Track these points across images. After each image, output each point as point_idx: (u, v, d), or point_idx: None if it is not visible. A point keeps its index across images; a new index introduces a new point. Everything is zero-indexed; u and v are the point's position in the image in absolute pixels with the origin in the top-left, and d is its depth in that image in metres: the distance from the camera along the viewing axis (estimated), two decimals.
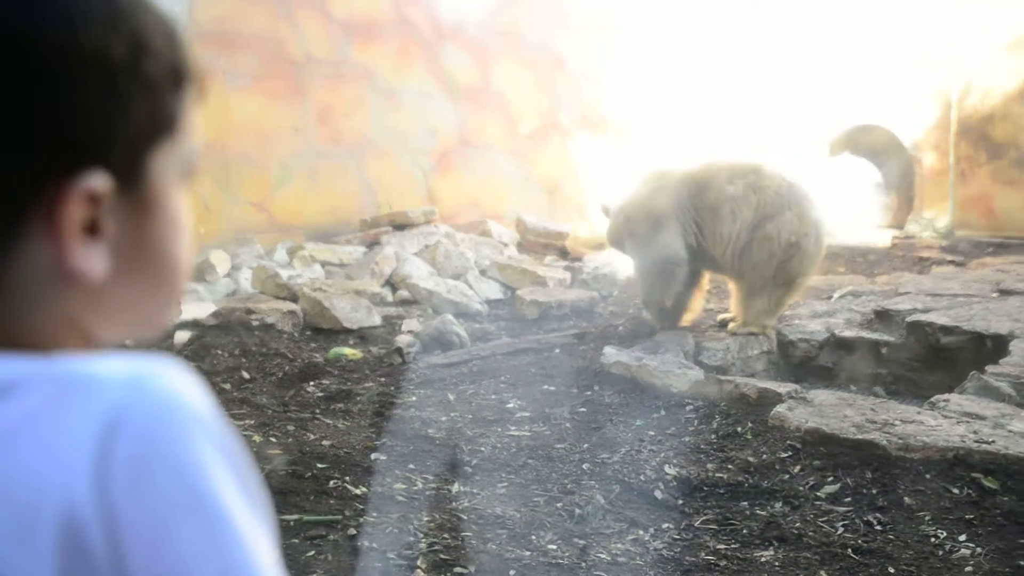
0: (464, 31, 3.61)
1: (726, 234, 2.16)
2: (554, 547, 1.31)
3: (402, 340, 2.37)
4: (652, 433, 1.69)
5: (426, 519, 1.35)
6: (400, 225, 3.26)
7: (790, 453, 1.58)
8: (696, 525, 1.38)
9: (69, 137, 0.46)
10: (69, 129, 0.46)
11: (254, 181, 3.36)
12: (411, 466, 1.58)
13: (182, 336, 2.38)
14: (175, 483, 0.43)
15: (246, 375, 2.07)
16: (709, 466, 1.53)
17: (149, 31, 0.49)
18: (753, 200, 2.17)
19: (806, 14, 3.95)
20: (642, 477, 1.50)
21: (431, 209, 3.35)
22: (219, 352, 2.18)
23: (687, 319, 2.43)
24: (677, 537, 1.35)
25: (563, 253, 3.60)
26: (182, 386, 0.45)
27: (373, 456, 1.60)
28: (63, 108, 0.46)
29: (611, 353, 2.10)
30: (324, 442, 1.66)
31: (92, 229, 0.47)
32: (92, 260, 0.46)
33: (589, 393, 1.97)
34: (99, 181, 0.46)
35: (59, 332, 0.48)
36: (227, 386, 1.98)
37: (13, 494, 0.42)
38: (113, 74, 0.47)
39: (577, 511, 1.41)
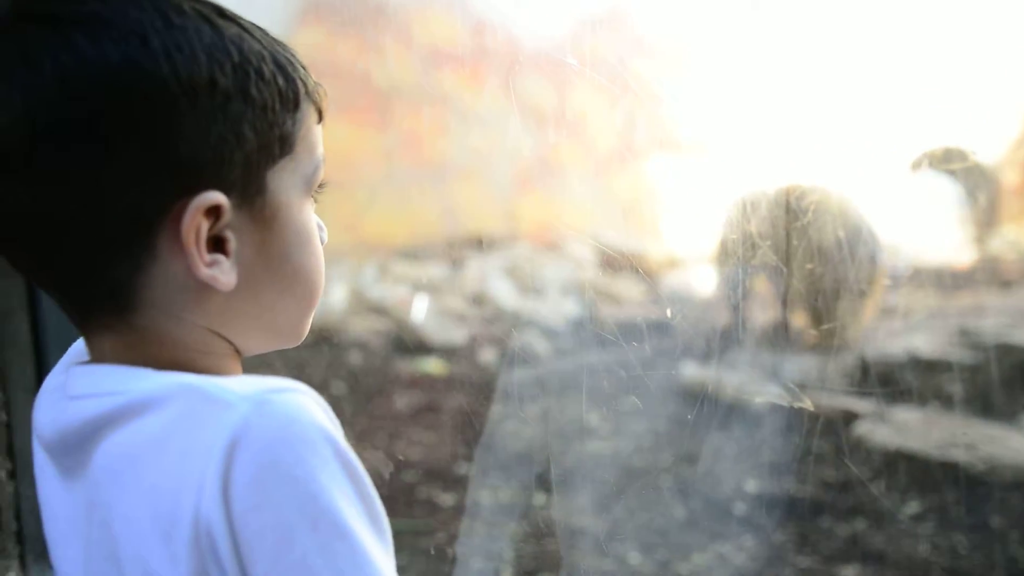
0: (541, 56, 3.66)
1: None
2: (636, 558, 1.35)
3: (485, 356, 2.44)
4: (731, 449, 1.71)
5: (511, 528, 1.40)
6: (483, 244, 3.34)
7: (872, 471, 1.58)
8: (776, 541, 1.40)
9: (186, 160, 0.49)
10: (186, 153, 0.49)
11: (344, 204, 3.49)
12: (496, 478, 1.63)
13: (277, 354, 2.48)
14: (294, 497, 0.45)
15: (337, 391, 2.16)
16: (788, 482, 1.55)
17: (257, 59, 0.52)
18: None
19: (886, 31, 3.89)
20: (721, 492, 1.53)
21: (512, 229, 3.43)
22: (311, 368, 2.28)
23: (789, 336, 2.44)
24: (758, 552, 1.38)
25: (640, 272, 3.63)
26: (305, 406, 0.47)
27: (459, 468, 1.66)
28: (178, 135, 0.49)
29: (689, 368, 2.12)
30: (412, 454, 1.73)
31: (218, 243, 0.50)
32: (220, 272, 0.50)
33: (668, 408, 1.99)
34: (217, 198, 0.49)
35: (202, 344, 0.52)
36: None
37: (159, 498, 0.45)
38: (224, 101, 0.50)
39: (657, 524, 1.44)
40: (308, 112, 0.55)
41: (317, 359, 2.43)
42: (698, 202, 2.54)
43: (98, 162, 0.46)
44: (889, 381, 2.43)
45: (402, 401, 2.08)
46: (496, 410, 2.20)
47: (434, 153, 3.77)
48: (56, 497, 0.52)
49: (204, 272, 0.49)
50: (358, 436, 1.86)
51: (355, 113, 3.39)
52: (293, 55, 0.55)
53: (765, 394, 2.05)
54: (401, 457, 1.70)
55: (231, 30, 0.51)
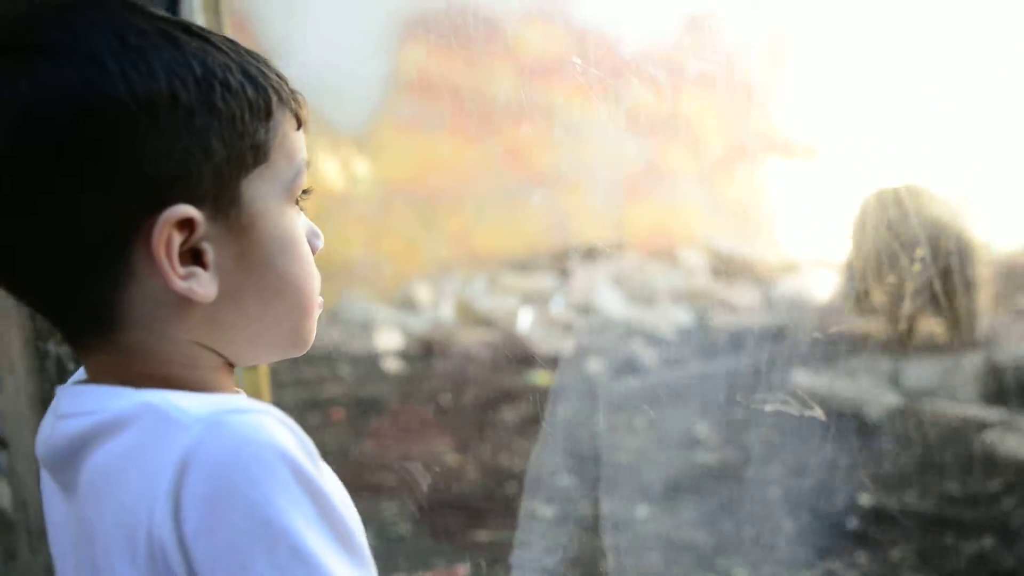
0: (645, 62, 3.63)
1: None
2: (742, 574, 1.31)
3: (592, 366, 2.43)
4: (845, 460, 1.64)
5: (612, 541, 1.39)
6: (590, 254, 3.34)
7: (1001, 485, 1.49)
8: (894, 558, 1.34)
9: (153, 177, 0.49)
10: (151, 170, 0.49)
11: (453, 217, 3.56)
12: (599, 489, 1.62)
13: (389, 365, 2.55)
14: (247, 520, 0.44)
15: (445, 401, 2.19)
16: (908, 496, 1.47)
17: (223, 71, 0.52)
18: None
19: (996, 26, 3.66)
20: (834, 506, 1.47)
21: (620, 238, 3.41)
22: (421, 379, 2.32)
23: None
24: (872, 570, 1.32)
25: (754, 278, 3.54)
26: (263, 426, 0.45)
27: (562, 479, 1.66)
28: (141, 152, 0.49)
29: (803, 377, 2.06)
30: (516, 465, 1.74)
31: (196, 256, 0.50)
32: (197, 284, 0.50)
33: (779, 418, 1.93)
34: (186, 211, 0.49)
35: (188, 358, 0.52)
36: (428, 411, 2.12)
37: (125, 516, 0.46)
38: (187, 115, 0.50)
39: (765, 538, 1.40)
40: (284, 120, 0.55)
41: (426, 370, 2.47)
42: (812, 204, 2.46)
43: (64, 187, 0.47)
44: (1018, 388, 2.28)
45: (507, 412, 2.09)
46: (601, 421, 2.19)
47: (541, 165, 3.78)
48: (58, 513, 0.53)
49: (180, 285, 0.49)
50: (462, 447, 1.89)
51: (461, 128, 3.45)
52: (266, 65, 0.55)
53: (882, 402, 1.96)
54: (502, 468, 1.72)
55: (193, 45, 0.52)
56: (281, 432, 0.46)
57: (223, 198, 0.51)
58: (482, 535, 1.47)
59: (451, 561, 1.50)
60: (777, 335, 2.97)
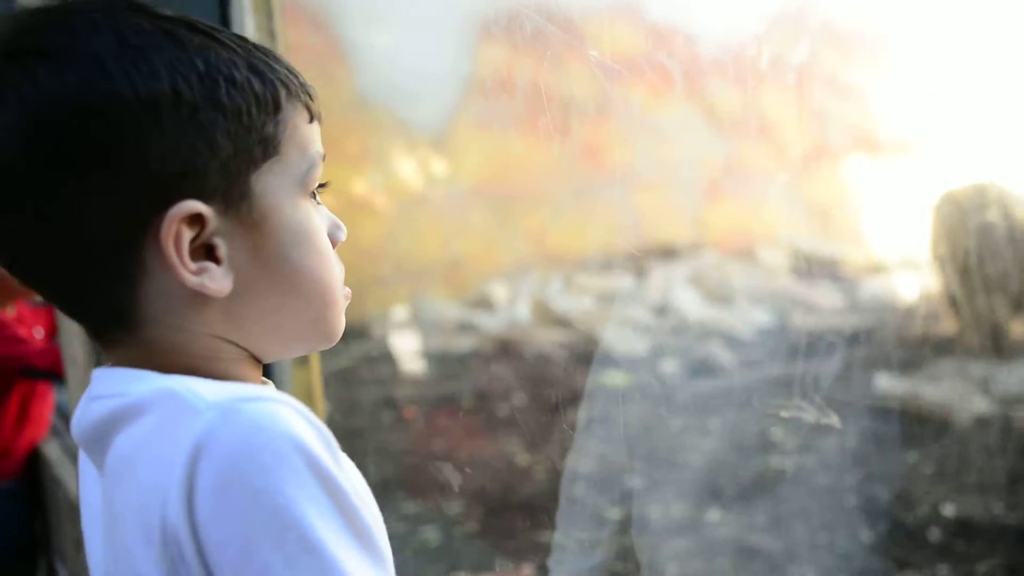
0: (725, 59, 3.57)
1: None
2: None
3: (668, 367, 2.39)
4: (929, 469, 1.58)
5: (680, 545, 1.36)
6: (668, 254, 3.29)
7: None
8: (979, 572, 1.28)
9: (158, 175, 0.49)
10: (157, 168, 0.49)
11: (530, 217, 3.56)
12: (669, 492, 1.60)
13: (464, 364, 2.56)
14: (256, 509, 0.44)
15: (519, 401, 2.19)
16: (996, 508, 1.41)
17: (228, 66, 0.51)
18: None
19: None
20: (915, 516, 1.41)
21: (698, 238, 3.35)
22: (495, 379, 2.32)
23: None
24: None
25: (837, 278, 3.44)
26: (278, 415, 0.45)
27: (632, 481, 1.64)
28: (146, 151, 0.49)
29: (886, 381, 1.98)
30: (586, 465, 1.72)
31: (210, 251, 0.50)
32: (209, 279, 0.50)
33: (860, 423, 1.87)
34: (194, 207, 0.49)
35: (209, 351, 0.52)
36: (502, 411, 2.12)
37: (143, 500, 0.46)
38: (191, 112, 0.50)
39: (841, 547, 1.35)
40: (294, 113, 0.54)
41: (501, 370, 2.47)
42: (899, 203, 2.37)
43: (71, 189, 0.48)
44: None
45: (580, 412, 2.07)
46: (674, 423, 2.16)
47: (618, 164, 3.74)
48: (92, 493, 0.54)
49: (191, 280, 0.50)
50: (532, 447, 1.88)
51: (538, 127, 3.44)
52: (275, 59, 0.55)
53: (971, 408, 1.87)
54: (571, 468, 1.70)
55: (197, 42, 0.52)
56: (297, 422, 0.46)
57: (233, 193, 0.51)
58: (549, 536, 1.46)
59: (517, 560, 1.49)
60: (860, 337, 2.89)
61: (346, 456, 0.50)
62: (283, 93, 0.54)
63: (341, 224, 0.58)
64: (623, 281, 3.49)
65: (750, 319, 2.93)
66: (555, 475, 1.71)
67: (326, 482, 0.46)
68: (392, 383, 2.58)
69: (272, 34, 1.06)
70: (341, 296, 0.56)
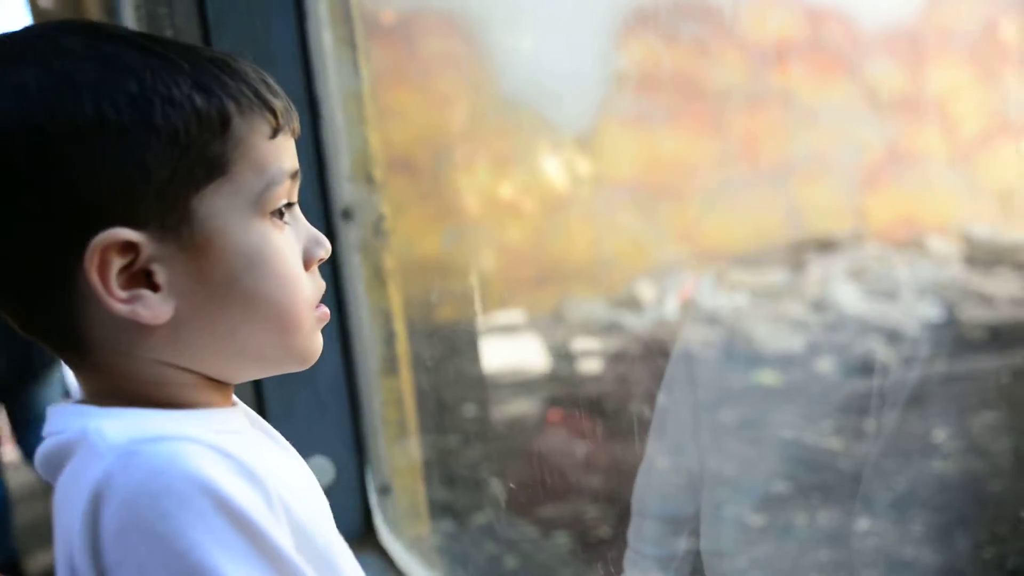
0: (888, 37, 3.38)
1: None
2: None
3: (824, 365, 2.28)
4: None
5: (825, 555, 1.29)
6: (826, 246, 3.14)
7: None
8: None
9: (84, 201, 0.48)
10: (83, 194, 0.48)
11: (679, 213, 3.48)
12: (816, 498, 1.51)
13: (611, 365, 2.54)
14: (157, 555, 0.43)
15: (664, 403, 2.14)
16: None
17: (167, 85, 0.48)
18: None
19: None
20: None
21: (859, 228, 3.17)
22: (641, 379, 2.28)
23: None
24: None
25: (1016, 267, 3.17)
26: (180, 455, 0.44)
27: (776, 485, 1.57)
28: (69, 178, 0.47)
29: None
30: (731, 469, 1.66)
31: (148, 277, 0.49)
32: (142, 307, 0.48)
33: None
34: (120, 235, 0.47)
35: (157, 377, 0.51)
36: (645, 412, 2.07)
37: (60, 543, 0.47)
38: (117, 135, 0.47)
39: (1010, 562, 1.24)
40: (249, 130, 0.51)
41: (648, 370, 2.43)
42: None
43: (5, 214, 0.48)
44: None
45: (728, 413, 2.01)
46: (829, 424, 2.04)
47: (773, 154, 3.60)
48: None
49: (120, 308, 0.48)
50: (675, 450, 1.83)
51: (688, 120, 3.35)
52: (235, 73, 0.52)
53: None
54: (715, 471, 1.65)
55: (133, 60, 0.49)
56: (204, 459, 0.45)
57: (170, 217, 0.49)
58: (687, 542, 1.42)
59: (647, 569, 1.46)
60: None
61: (285, 491, 0.47)
62: (232, 108, 0.51)
63: (321, 240, 0.55)
64: (778, 276, 3.35)
65: (915, 313, 2.75)
66: (697, 479, 1.66)
67: (239, 521, 0.44)
68: (539, 386, 2.58)
69: (353, 45, 1.09)
70: (308, 319, 0.53)
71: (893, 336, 2.71)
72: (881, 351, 2.43)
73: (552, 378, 2.64)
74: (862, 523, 1.40)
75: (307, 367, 0.55)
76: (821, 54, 3.53)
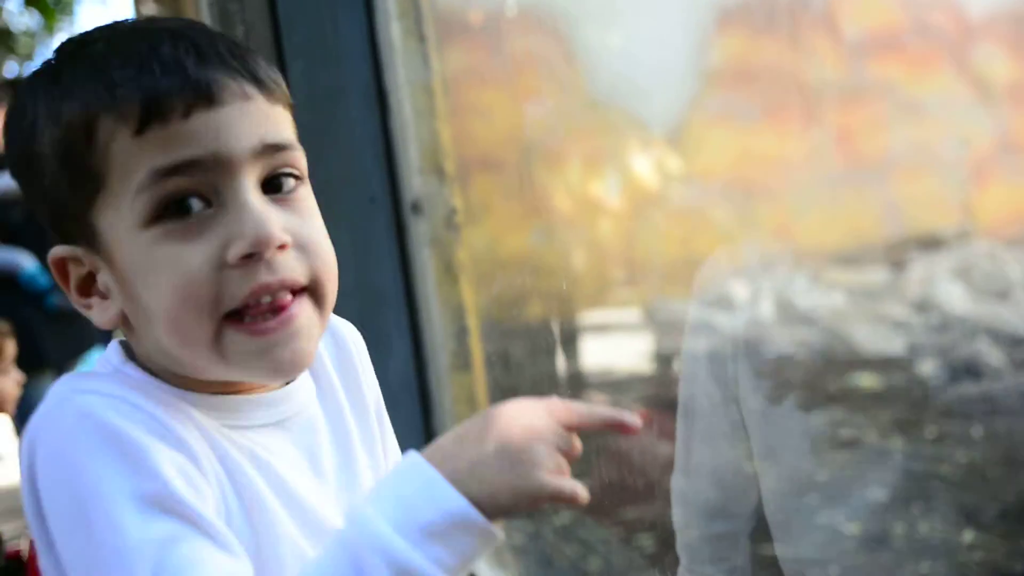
0: (996, 22, 3.20)
1: None
2: None
3: (927, 368, 2.17)
4: None
5: (925, 567, 1.23)
6: (929, 244, 2.99)
7: None
8: None
9: (45, 221, 0.56)
10: (41, 217, 0.55)
11: (773, 210, 3.37)
12: (916, 507, 1.44)
13: (701, 365, 2.48)
14: (58, 478, 0.51)
15: (756, 404, 2.08)
16: None
17: (45, 103, 0.51)
18: None
19: None
20: None
21: (966, 225, 3.02)
22: (731, 380, 2.22)
23: None
24: None
25: None
26: (92, 402, 0.51)
27: (873, 492, 1.50)
28: (32, 202, 0.56)
29: None
30: (824, 475, 1.61)
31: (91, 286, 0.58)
32: (93, 313, 0.55)
33: None
34: (61, 251, 0.54)
35: (158, 368, 0.57)
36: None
37: None
38: (25, 165, 0.53)
39: None
40: (113, 130, 0.50)
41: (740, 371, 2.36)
42: None
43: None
44: None
45: (821, 416, 1.94)
46: (930, 430, 1.95)
47: (872, 149, 3.46)
48: None
49: (88, 313, 0.56)
50: (765, 454, 1.77)
51: (782, 115, 3.26)
52: (112, 64, 0.50)
53: None
54: (806, 477, 1.59)
55: (24, 92, 0.53)
56: (111, 406, 0.51)
57: (85, 234, 0.54)
58: (768, 548, 1.38)
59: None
60: None
61: (181, 440, 0.53)
62: (97, 109, 0.49)
63: (237, 237, 0.51)
64: (878, 275, 3.21)
65: None
66: (784, 482, 1.60)
67: (115, 444, 0.50)
68: (628, 385, 2.55)
69: (422, 37, 1.08)
70: (205, 329, 0.51)
71: (1004, 338, 2.56)
72: (990, 354, 2.30)
73: (640, 378, 2.60)
74: (967, 535, 1.33)
75: (269, 380, 0.57)
76: (924, 43, 3.39)
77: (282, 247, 0.52)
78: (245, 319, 0.53)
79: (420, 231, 1.18)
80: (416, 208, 1.25)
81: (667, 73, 3.28)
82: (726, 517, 1.31)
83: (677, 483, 1.37)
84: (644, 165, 3.38)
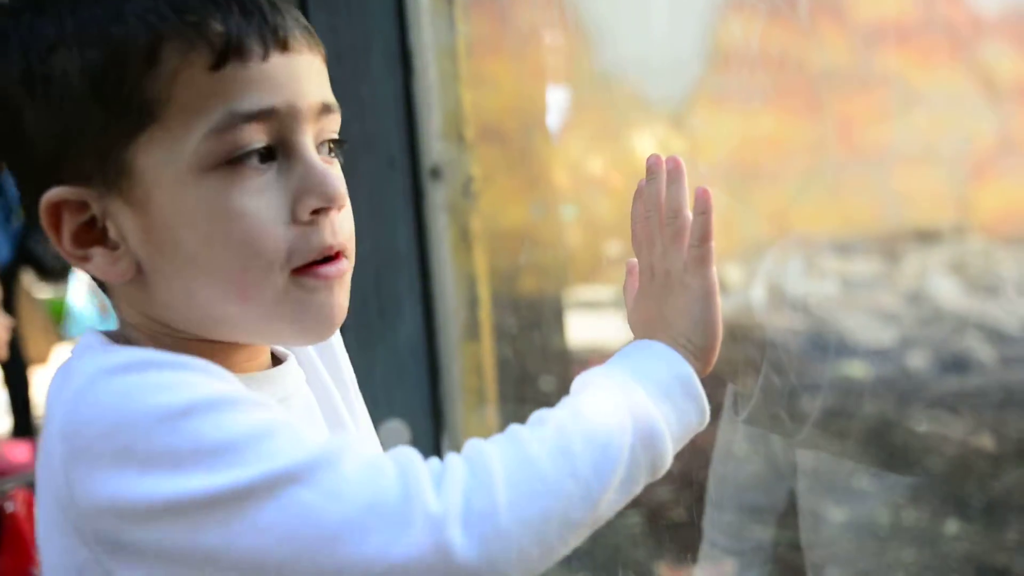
0: (1006, 19, 3.19)
1: None
2: None
3: (916, 360, 2.19)
4: None
5: (909, 555, 1.25)
6: (926, 238, 3.00)
7: None
8: None
9: (39, 159, 0.46)
10: (37, 153, 0.46)
11: (771, 196, 3.37)
12: (902, 496, 1.46)
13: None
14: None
15: (744, 388, 2.09)
16: None
17: (91, 23, 0.44)
18: None
19: None
20: None
21: (963, 221, 3.03)
22: (720, 365, 2.23)
23: None
24: None
25: None
26: (93, 353, 0.49)
27: (859, 480, 1.52)
28: (21, 137, 0.46)
29: None
30: (811, 461, 1.62)
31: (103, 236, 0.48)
32: (95, 266, 0.47)
33: None
34: (60, 194, 0.46)
35: (151, 330, 0.51)
36: (722, 394, 2.03)
37: None
38: (44, 89, 0.44)
39: None
40: (182, 62, 0.45)
41: (728, 356, 2.38)
42: None
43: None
44: None
45: (809, 404, 1.95)
46: (917, 420, 1.97)
47: (873, 139, 3.46)
48: None
49: (81, 266, 0.49)
50: (760, 436, 1.79)
51: (786, 102, 3.25)
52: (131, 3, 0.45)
53: None
54: (793, 465, 1.61)
55: (54, 7, 0.46)
56: (103, 353, 0.48)
57: (109, 171, 0.47)
58: (757, 531, 1.39)
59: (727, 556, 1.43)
60: None
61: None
62: (164, 33, 0.44)
63: (306, 193, 0.47)
64: (871, 265, 3.23)
65: (1019, 311, 2.62)
66: (769, 467, 1.62)
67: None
68: None
69: (451, 19, 1.07)
70: (271, 285, 0.48)
71: (993, 334, 2.58)
72: (979, 349, 2.32)
73: None
74: (951, 526, 1.35)
75: (308, 339, 0.54)
76: (932, 35, 3.37)
77: (342, 207, 0.50)
78: (307, 274, 0.50)
79: (438, 197, 1.17)
80: (435, 173, 1.24)
81: (675, 54, 3.26)
82: (755, 494, 1.32)
83: (716, 458, 1.37)
84: (647, 144, 3.38)
